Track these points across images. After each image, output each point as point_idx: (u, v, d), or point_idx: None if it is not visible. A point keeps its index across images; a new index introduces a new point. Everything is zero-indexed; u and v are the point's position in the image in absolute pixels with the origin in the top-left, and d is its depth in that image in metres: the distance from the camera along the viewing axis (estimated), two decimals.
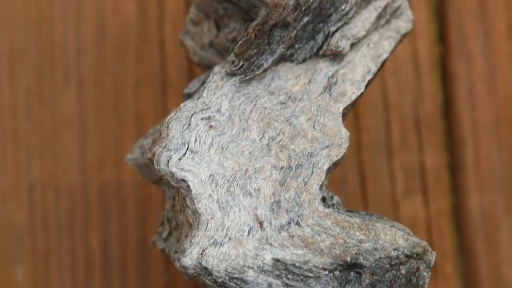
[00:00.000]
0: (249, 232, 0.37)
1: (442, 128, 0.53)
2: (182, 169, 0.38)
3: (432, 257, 0.37)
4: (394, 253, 0.37)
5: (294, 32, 0.40)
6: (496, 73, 0.53)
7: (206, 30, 0.44)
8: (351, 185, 0.52)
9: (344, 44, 0.41)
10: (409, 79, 0.53)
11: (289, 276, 0.36)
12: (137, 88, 0.53)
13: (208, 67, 0.45)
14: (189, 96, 0.44)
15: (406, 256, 0.37)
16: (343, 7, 0.41)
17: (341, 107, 0.40)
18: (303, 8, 0.40)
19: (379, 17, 0.42)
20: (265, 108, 0.40)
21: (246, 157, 0.39)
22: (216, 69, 0.41)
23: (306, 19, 0.40)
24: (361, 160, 0.52)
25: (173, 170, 0.38)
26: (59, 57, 0.54)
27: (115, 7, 0.54)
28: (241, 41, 0.40)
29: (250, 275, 0.36)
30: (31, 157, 0.53)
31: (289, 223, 0.37)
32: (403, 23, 0.42)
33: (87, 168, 0.53)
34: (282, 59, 0.41)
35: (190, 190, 0.38)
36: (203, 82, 0.43)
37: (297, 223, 0.37)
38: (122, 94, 0.53)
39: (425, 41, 0.54)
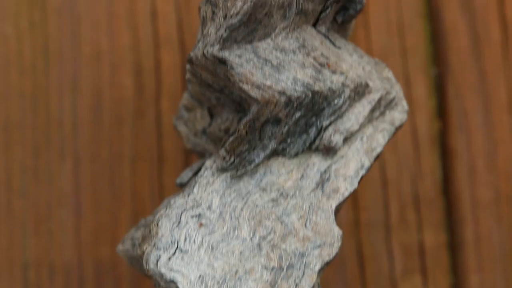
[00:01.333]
0: None
1: (442, 206, 0.52)
2: (171, 269, 0.38)
3: None
4: None
5: (286, 127, 0.40)
6: (496, 148, 0.53)
7: (199, 117, 0.44)
8: (349, 264, 0.51)
9: (337, 139, 0.40)
10: (408, 156, 0.53)
11: None
12: (133, 163, 0.53)
13: (201, 154, 0.45)
14: (181, 185, 0.43)
15: None
16: (336, 101, 0.40)
17: (333, 204, 0.39)
18: (295, 104, 0.39)
19: (373, 110, 0.41)
20: (257, 205, 0.39)
21: (237, 257, 0.38)
22: (208, 163, 0.41)
23: (298, 114, 0.40)
24: (359, 239, 0.52)
25: (163, 270, 0.38)
26: (55, 131, 0.53)
27: (112, 81, 0.54)
28: (232, 138, 0.39)
29: None
30: (26, 234, 0.52)
31: None
32: (398, 114, 0.42)
33: (82, 245, 0.52)
34: (274, 153, 0.41)
35: None
36: (196, 172, 0.43)
37: None
38: (118, 169, 0.53)
39: (424, 116, 0.53)
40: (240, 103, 0.41)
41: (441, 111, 0.53)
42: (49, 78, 0.54)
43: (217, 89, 0.41)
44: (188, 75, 0.42)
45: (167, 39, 0.54)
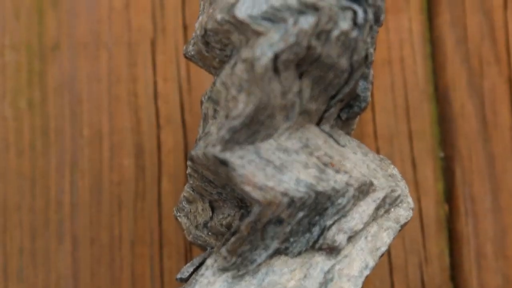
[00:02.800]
0: None
1: None
2: None
3: None
4: None
5: (289, 227, 0.39)
6: (505, 234, 0.51)
7: (200, 210, 0.43)
8: None
9: (341, 239, 0.39)
10: (414, 240, 0.51)
11: None
12: (133, 246, 0.52)
13: (203, 247, 0.43)
14: (181, 281, 0.42)
15: None
16: (339, 201, 0.39)
17: None
18: (298, 204, 0.38)
19: (377, 208, 0.40)
20: None
21: None
22: (209, 261, 0.40)
23: (301, 214, 0.38)
24: None
25: None
26: (54, 213, 0.52)
27: (112, 162, 0.53)
28: (233, 238, 0.38)
29: None
30: None
31: None
32: (403, 212, 0.41)
33: None
34: (277, 252, 0.39)
35: None
36: (196, 268, 0.42)
37: None
38: (117, 253, 0.52)
39: (431, 200, 0.52)
40: (242, 199, 0.40)
41: (449, 195, 0.52)
42: (49, 159, 0.53)
43: (218, 185, 0.40)
44: (189, 170, 0.41)
45: (168, 120, 0.53)
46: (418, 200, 0.52)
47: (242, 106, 0.37)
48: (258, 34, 0.37)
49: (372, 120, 0.52)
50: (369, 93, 0.40)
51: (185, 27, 0.54)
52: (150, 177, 0.53)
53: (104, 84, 0.53)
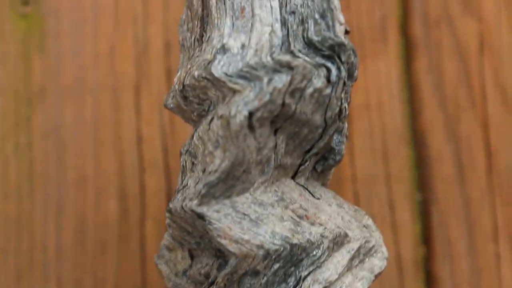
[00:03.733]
0: None
1: None
2: None
3: None
4: None
5: (265, 278, 0.40)
6: (480, 276, 0.52)
7: (180, 258, 0.44)
8: None
9: None
10: (392, 282, 0.52)
11: None
12: None
13: None
14: None
15: None
16: (314, 252, 0.40)
17: None
18: (273, 256, 0.39)
19: (352, 258, 0.41)
20: None
21: None
22: None
23: (276, 265, 0.39)
24: None
25: None
26: (39, 255, 0.53)
27: (96, 205, 0.54)
28: None
29: None
30: None
31: None
32: (378, 262, 0.42)
33: None
34: None
35: None
36: None
37: None
38: None
39: (408, 242, 0.53)
40: (219, 249, 0.41)
41: (426, 238, 0.53)
42: (34, 202, 0.54)
43: (196, 236, 0.41)
44: (168, 221, 0.42)
45: (152, 164, 0.54)
46: (395, 242, 0.53)
47: (219, 162, 0.38)
48: (234, 91, 0.38)
49: (350, 164, 0.53)
50: (343, 146, 0.41)
51: (168, 73, 0.55)
52: (134, 220, 0.54)
53: (89, 129, 0.54)
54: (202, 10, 0.42)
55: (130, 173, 0.54)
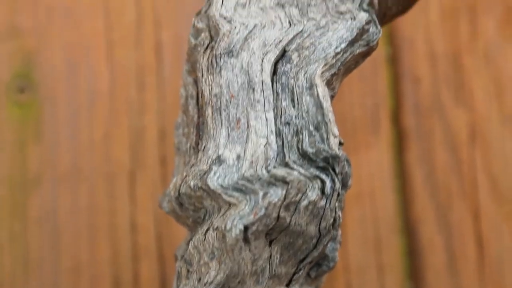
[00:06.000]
0: None
1: None
2: None
3: None
4: None
5: None
6: None
7: None
8: None
9: None
10: None
11: None
12: None
13: None
14: None
15: None
16: None
17: None
18: None
19: None
20: None
21: None
22: None
23: None
24: None
25: None
26: None
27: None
28: None
29: None
30: None
31: None
32: None
33: None
34: None
35: None
36: None
37: None
38: None
39: None
40: None
41: None
42: None
43: None
44: None
45: (146, 252, 0.54)
46: None
47: (214, 274, 0.38)
48: (229, 204, 0.38)
49: (343, 254, 0.54)
50: (337, 253, 0.42)
51: (163, 161, 0.55)
52: None
53: (84, 216, 0.55)
54: (198, 117, 0.42)
55: (124, 261, 0.54)
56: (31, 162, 0.55)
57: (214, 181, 0.39)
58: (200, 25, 0.41)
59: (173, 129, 0.45)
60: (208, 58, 0.40)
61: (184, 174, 0.41)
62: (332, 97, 0.41)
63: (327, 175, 0.39)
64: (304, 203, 0.38)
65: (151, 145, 0.55)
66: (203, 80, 0.40)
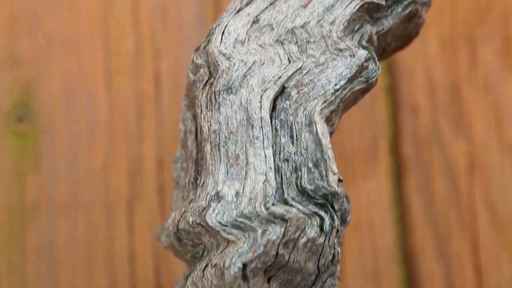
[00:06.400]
0: None
1: None
2: None
3: None
4: None
5: None
6: None
7: None
8: None
9: None
10: None
11: None
12: None
13: None
14: None
15: None
16: None
17: None
18: None
19: None
20: None
21: None
22: None
23: None
24: None
25: None
26: None
27: None
28: None
29: None
30: None
31: None
32: None
33: None
34: None
35: None
36: None
37: None
38: None
39: None
40: None
41: None
42: None
43: None
44: None
45: (143, 283, 0.54)
46: None
47: None
48: (228, 241, 0.38)
49: (341, 286, 0.54)
50: None
51: (161, 190, 0.55)
52: None
53: (82, 246, 0.54)
54: (197, 153, 0.42)
55: None
56: (29, 191, 0.55)
57: (212, 218, 0.39)
58: (199, 61, 0.41)
59: (172, 163, 0.45)
60: (207, 94, 0.40)
61: (183, 209, 0.41)
62: (331, 133, 0.41)
63: (326, 212, 0.39)
64: (302, 240, 0.38)
65: (150, 174, 0.55)
66: (202, 116, 0.40)
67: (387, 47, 0.43)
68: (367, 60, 0.40)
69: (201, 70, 0.41)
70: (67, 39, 0.56)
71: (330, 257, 0.40)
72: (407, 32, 0.43)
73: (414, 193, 0.55)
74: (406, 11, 0.41)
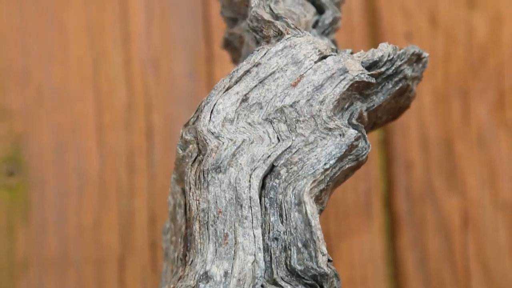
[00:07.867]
0: None
1: None
2: None
3: None
4: None
5: None
6: None
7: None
8: None
9: None
10: None
11: None
12: None
13: None
14: None
15: None
16: None
17: None
18: None
19: None
20: None
21: None
22: None
23: None
24: None
25: None
26: None
27: None
28: None
29: None
30: None
31: None
32: None
33: None
34: None
35: None
36: None
37: None
38: None
39: None
40: None
41: None
42: None
43: None
44: None
45: None
46: None
47: None
48: None
49: None
50: None
51: (153, 246, 0.55)
52: None
53: None
54: (186, 228, 0.42)
55: None
56: (18, 246, 0.54)
57: None
58: (188, 137, 0.41)
59: (161, 233, 0.44)
60: (195, 172, 0.40)
61: (172, 286, 0.41)
62: (321, 211, 0.40)
63: None
64: None
65: (141, 229, 0.55)
66: (191, 194, 0.40)
67: (378, 120, 0.43)
68: (357, 139, 0.39)
69: (190, 146, 0.41)
70: (57, 92, 0.56)
71: None
72: (398, 106, 0.42)
73: (407, 249, 0.55)
74: (397, 87, 0.41)
